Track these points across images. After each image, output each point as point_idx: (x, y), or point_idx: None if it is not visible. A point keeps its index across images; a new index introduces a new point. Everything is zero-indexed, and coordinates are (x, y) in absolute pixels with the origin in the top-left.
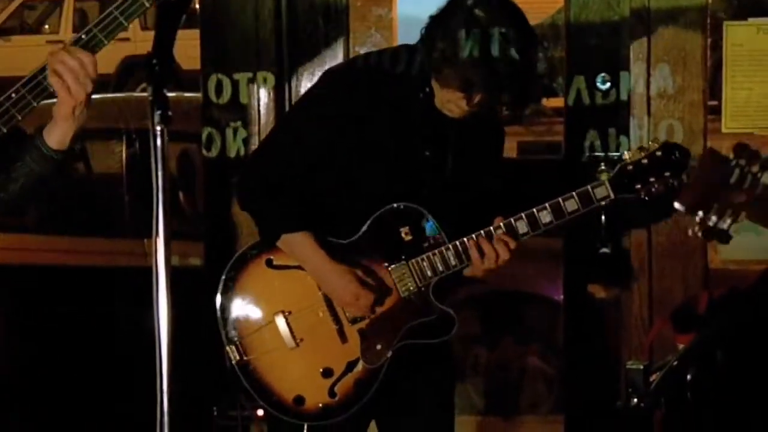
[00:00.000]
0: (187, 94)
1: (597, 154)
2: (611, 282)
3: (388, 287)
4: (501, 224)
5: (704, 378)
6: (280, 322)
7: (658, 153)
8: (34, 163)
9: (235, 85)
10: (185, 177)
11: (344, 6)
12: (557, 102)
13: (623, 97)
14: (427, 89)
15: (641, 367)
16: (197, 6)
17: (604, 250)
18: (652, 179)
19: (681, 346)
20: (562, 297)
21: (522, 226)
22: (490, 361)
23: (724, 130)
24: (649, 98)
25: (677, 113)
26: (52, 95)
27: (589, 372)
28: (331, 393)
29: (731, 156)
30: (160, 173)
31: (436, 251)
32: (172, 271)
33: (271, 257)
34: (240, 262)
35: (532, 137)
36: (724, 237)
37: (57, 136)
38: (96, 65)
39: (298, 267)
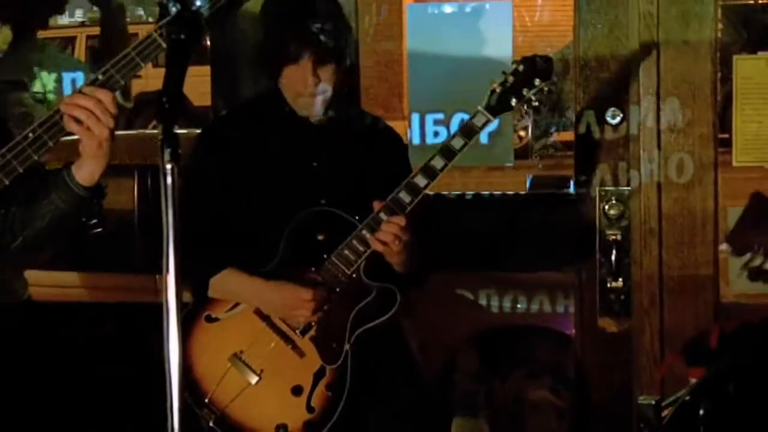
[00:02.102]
0: (197, 131)
1: (607, 188)
2: (621, 316)
3: (323, 287)
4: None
5: (717, 412)
6: (236, 363)
7: (521, 67)
8: (61, 199)
9: None
10: None
11: (354, 41)
12: (568, 136)
13: (633, 131)
14: (286, 108)
15: (653, 402)
16: (208, 42)
17: (614, 284)
18: (524, 91)
19: (693, 380)
20: (573, 331)
21: (420, 180)
22: (500, 395)
23: (734, 163)
24: (659, 132)
25: (687, 147)
26: (69, 133)
27: (600, 406)
28: (309, 408)
29: None
30: (170, 210)
31: (352, 235)
32: (182, 307)
33: (208, 313)
34: (186, 331)
35: (543, 171)
36: None
37: (85, 172)
38: (115, 100)
39: (235, 311)
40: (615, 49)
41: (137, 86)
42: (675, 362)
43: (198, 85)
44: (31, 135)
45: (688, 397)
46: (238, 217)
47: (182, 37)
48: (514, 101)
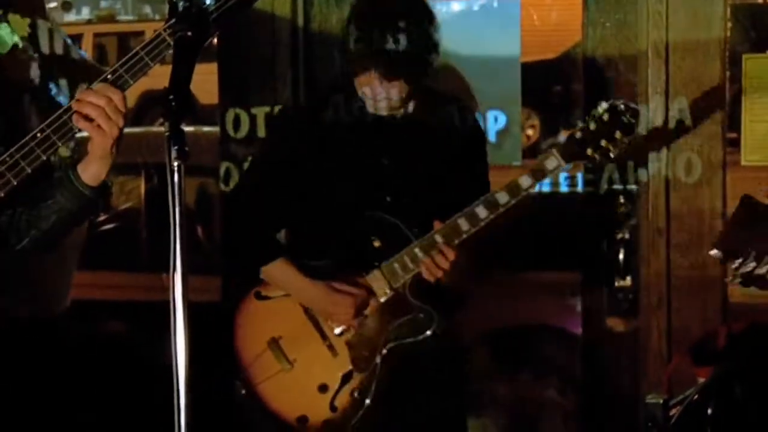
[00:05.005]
0: (205, 129)
1: (615, 186)
2: (629, 316)
3: (368, 295)
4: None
5: (724, 412)
6: (273, 347)
7: (605, 116)
8: (66, 199)
9: (252, 119)
10: (204, 211)
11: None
12: None
13: (641, 130)
14: (359, 103)
15: (661, 401)
16: (215, 40)
17: (622, 283)
18: (603, 142)
19: (700, 380)
20: (580, 330)
21: (481, 212)
22: (507, 395)
23: (743, 162)
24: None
25: (696, 146)
26: (78, 134)
27: (607, 406)
28: (332, 407)
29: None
30: (177, 208)
31: (404, 250)
32: (190, 306)
33: (259, 290)
34: (237, 302)
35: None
36: (764, 283)
37: (92, 172)
38: (125, 99)
39: (284, 295)
40: (623, 48)
41: (143, 84)
42: (682, 362)
43: (206, 82)
44: (39, 135)
45: (695, 397)
46: (299, 207)
47: (189, 34)
48: (589, 151)
